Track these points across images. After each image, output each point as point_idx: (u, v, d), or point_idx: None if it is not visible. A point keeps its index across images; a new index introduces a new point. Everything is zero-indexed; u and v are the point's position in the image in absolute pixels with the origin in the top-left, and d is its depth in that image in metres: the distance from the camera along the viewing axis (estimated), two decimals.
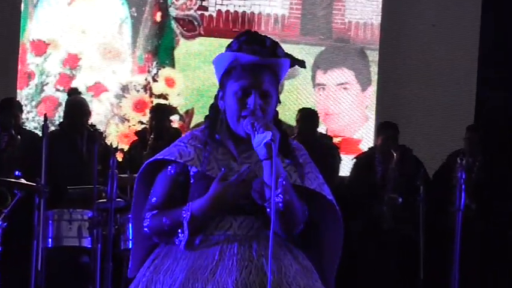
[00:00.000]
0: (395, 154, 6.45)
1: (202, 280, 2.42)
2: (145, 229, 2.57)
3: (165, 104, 7.32)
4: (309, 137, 6.42)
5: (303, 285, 2.47)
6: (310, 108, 7.02)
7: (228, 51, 2.60)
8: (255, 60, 2.53)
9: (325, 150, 6.43)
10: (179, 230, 2.50)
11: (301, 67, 2.64)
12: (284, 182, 2.44)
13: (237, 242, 2.48)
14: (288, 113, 7.27)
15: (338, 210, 2.59)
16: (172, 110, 7.34)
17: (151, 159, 2.62)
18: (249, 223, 2.51)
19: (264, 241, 2.47)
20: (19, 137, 6.19)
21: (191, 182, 2.56)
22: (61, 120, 6.98)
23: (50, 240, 5.36)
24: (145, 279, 2.52)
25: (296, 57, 2.63)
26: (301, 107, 7.15)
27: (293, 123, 6.83)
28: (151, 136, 6.35)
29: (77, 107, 6.24)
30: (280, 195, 2.42)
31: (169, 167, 2.57)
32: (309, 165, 2.61)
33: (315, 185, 2.57)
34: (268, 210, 2.44)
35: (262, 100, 2.53)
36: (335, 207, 2.58)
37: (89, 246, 5.31)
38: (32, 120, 7.62)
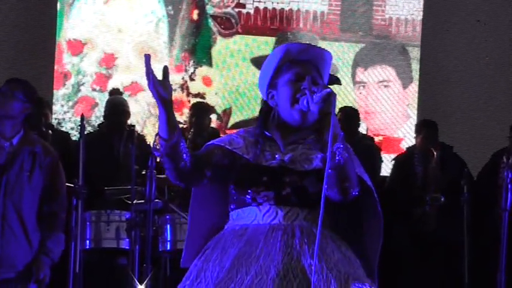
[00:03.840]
0: (435, 153, 6.34)
1: (246, 265, 2.51)
2: None
3: (206, 103, 7.28)
4: (350, 136, 6.33)
5: (343, 271, 2.52)
6: (351, 107, 6.92)
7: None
8: (305, 48, 2.70)
9: (366, 151, 6.31)
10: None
11: (336, 83, 2.79)
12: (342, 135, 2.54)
13: (281, 230, 2.57)
14: None
15: (376, 198, 2.66)
16: (212, 109, 7.30)
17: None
18: (294, 213, 2.59)
19: (307, 230, 2.57)
20: (50, 132, 6.18)
21: (239, 171, 2.66)
22: (97, 120, 6.96)
23: (87, 241, 5.35)
24: (196, 268, 2.62)
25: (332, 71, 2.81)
26: (340, 106, 7.05)
27: None
28: (191, 131, 6.31)
29: (116, 107, 6.22)
30: (340, 149, 2.51)
31: (215, 148, 2.70)
32: (351, 153, 2.68)
33: (357, 169, 2.64)
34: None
35: None
36: (373, 194, 2.65)
37: (127, 247, 5.27)
38: (68, 120, 7.61)
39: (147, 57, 2.50)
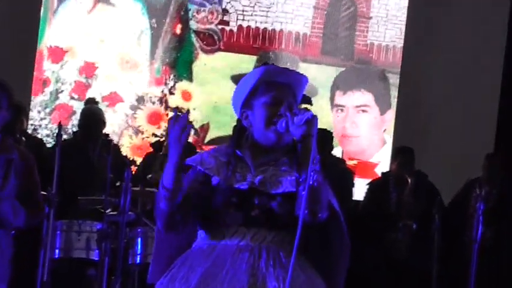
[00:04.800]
0: (409, 180, 6.36)
1: (213, 286, 2.53)
2: None
3: None
4: (323, 158, 6.31)
5: None
6: (325, 129, 6.92)
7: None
8: (283, 70, 2.72)
9: (339, 175, 6.31)
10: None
11: (307, 103, 2.82)
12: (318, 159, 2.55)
13: (248, 251, 2.60)
14: None
15: (342, 222, 2.69)
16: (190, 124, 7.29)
17: None
18: (262, 235, 2.62)
19: (273, 252, 2.60)
20: (23, 139, 6.13)
21: (214, 194, 2.66)
22: (74, 128, 6.93)
23: (57, 251, 5.30)
24: (162, 287, 2.63)
25: (311, 83, 2.79)
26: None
27: None
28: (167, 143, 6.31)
29: (92, 116, 6.20)
30: (315, 171, 2.52)
31: (190, 170, 2.70)
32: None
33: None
34: (302, 190, 2.53)
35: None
36: (340, 219, 2.68)
37: (97, 258, 5.24)
38: (44, 127, 7.57)
39: (185, 114, 2.57)
